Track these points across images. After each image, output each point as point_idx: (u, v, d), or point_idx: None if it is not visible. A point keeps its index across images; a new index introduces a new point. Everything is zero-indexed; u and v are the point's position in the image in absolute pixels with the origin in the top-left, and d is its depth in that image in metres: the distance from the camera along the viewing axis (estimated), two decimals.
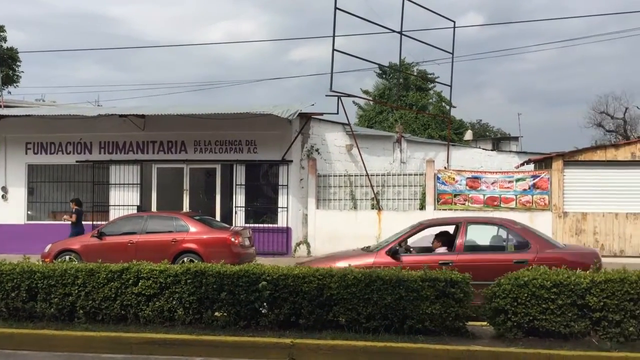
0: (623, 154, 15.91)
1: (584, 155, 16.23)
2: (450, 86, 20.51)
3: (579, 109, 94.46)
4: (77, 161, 18.43)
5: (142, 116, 17.42)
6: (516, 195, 16.27)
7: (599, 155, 16.10)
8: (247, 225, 16.71)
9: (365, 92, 36.90)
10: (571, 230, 15.88)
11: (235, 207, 17.64)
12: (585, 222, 15.85)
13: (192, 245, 12.88)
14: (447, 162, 20.20)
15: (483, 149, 24.69)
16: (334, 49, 16.17)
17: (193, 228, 13.25)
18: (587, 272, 6.99)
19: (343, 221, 17.09)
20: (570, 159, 16.20)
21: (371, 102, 34.50)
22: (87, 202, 18.15)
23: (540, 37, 74.67)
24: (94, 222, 17.40)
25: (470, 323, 7.19)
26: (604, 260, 12.55)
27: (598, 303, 6.62)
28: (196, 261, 10.50)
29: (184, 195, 17.92)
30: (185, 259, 12.33)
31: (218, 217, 17.22)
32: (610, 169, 15.98)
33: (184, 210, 17.19)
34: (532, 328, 6.79)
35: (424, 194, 16.91)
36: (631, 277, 6.65)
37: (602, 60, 72.22)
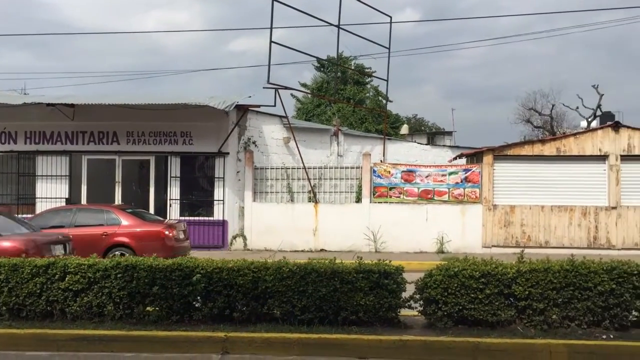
0: (549, 149, 16.58)
1: (513, 150, 16.81)
2: (387, 80, 20.81)
3: (509, 105, 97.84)
4: (0, 151, 17.59)
5: (72, 105, 16.80)
6: (449, 189, 16.70)
7: (526, 150, 16.71)
8: (182, 218, 16.46)
9: (304, 85, 36.91)
10: (500, 222, 16.44)
11: (170, 199, 17.30)
12: (514, 214, 16.44)
13: (124, 239, 12.58)
14: (383, 155, 20.49)
15: (418, 143, 25.17)
16: (271, 41, 16.06)
17: (125, 221, 12.92)
18: (514, 262, 7.24)
19: (280, 214, 17.09)
20: (500, 153, 16.75)
21: (309, 95, 34.56)
22: (11, 195, 17.43)
23: (474, 34, 76.72)
24: (20, 216, 16.66)
25: (402, 313, 7.33)
26: (530, 251, 13.06)
27: (523, 292, 6.88)
28: (127, 255, 10.26)
29: (116, 188, 17.42)
30: (117, 253, 12.04)
31: (152, 210, 16.86)
32: (537, 163, 16.61)
33: (116, 203, 16.73)
34: (462, 317, 6.99)
35: (360, 187, 17.10)
36: (554, 267, 6.94)
37: (531, 59, 75.01)
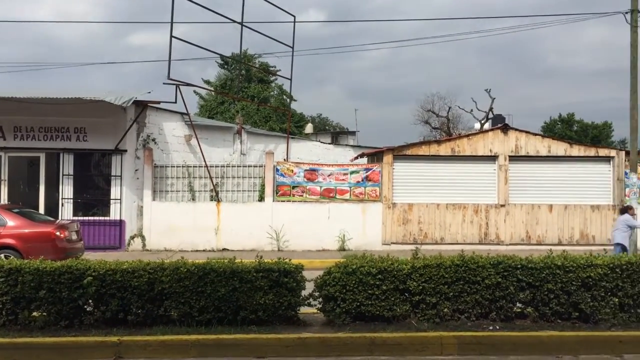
0: (444, 149, 17.29)
1: (411, 150, 17.39)
2: (290, 79, 20.88)
3: (410, 106, 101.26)
4: None
5: None
6: (350, 187, 17.01)
7: (424, 150, 17.34)
8: (76, 218, 15.71)
9: (207, 82, 36.30)
10: (399, 220, 16.96)
11: (63, 199, 16.43)
12: (411, 212, 17.01)
13: (10, 241, 11.84)
14: (287, 154, 20.53)
15: (322, 142, 25.45)
16: (171, 36, 15.66)
17: (11, 222, 12.15)
18: (409, 259, 7.49)
19: (181, 213, 16.70)
20: (399, 153, 17.27)
21: (212, 93, 34.03)
22: None
23: (376, 37, 78.77)
24: None
25: (302, 311, 7.38)
26: (427, 247, 13.57)
27: (417, 287, 7.13)
28: (12, 257, 9.63)
29: (2, 187, 16.33)
30: (1, 256, 11.27)
31: (42, 210, 15.95)
32: (434, 163, 17.29)
33: (2, 202, 15.66)
34: (360, 313, 7.14)
35: (263, 186, 17.04)
36: (446, 262, 7.24)
37: (430, 62, 78.07)
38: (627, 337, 6.71)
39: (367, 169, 17.26)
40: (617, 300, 7.18)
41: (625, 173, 17.03)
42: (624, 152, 17.62)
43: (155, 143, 17.27)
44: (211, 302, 6.96)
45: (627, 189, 16.91)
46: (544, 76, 72.19)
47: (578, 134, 45.01)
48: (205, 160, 16.96)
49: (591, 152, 17.60)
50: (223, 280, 6.98)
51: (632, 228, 12.90)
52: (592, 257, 7.37)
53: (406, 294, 7.22)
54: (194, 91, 34.85)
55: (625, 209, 13.20)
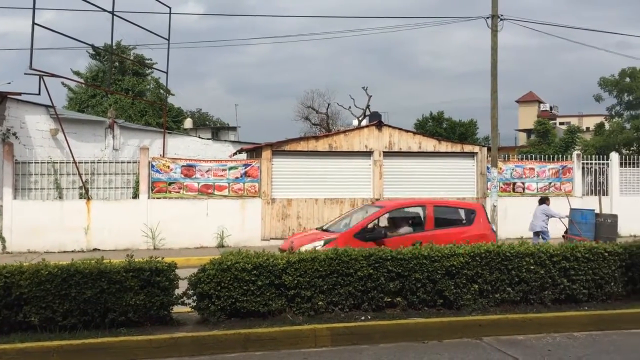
0: (322, 145, 17.60)
1: (290, 146, 17.52)
2: (167, 73, 20.28)
3: (291, 102, 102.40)
4: None
5: None
6: (229, 183, 16.84)
7: (302, 146, 17.54)
8: None
9: (77, 73, 34.30)
10: (278, 215, 17.04)
11: None
12: (291, 207, 17.16)
13: None
14: (163, 150, 19.92)
15: (201, 137, 24.96)
16: (34, 23, 14.59)
17: None
18: (284, 254, 7.55)
19: (47, 212, 15.64)
20: (278, 149, 17.34)
21: (83, 85, 32.21)
22: None
23: (258, 32, 78.62)
24: None
25: (175, 310, 7.20)
26: None
27: (293, 281, 7.20)
28: None
29: None
30: None
31: None
32: (312, 159, 17.54)
33: None
34: (235, 310, 7.09)
35: (137, 182, 16.40)
36: (320, 256, 7.38)
37: (310, 59, 79.27)
38: (485, 321, 7.21)
39: (246, 165, 17.17)
40: (477, 286, 7.69)
41: (487, 168, 18.25)
42: (486, 148, 18.90)
43: (16, 137, 16.04)
44: (76, 306, 6.60)
45: (488, 183, 18.13)
46: (419, 76, 75.97)
47: (447, 131, 47.68)
48: (73, 156, 16.00)
49: (457, 148, 18.72)
50: (89, 282, 6.64)
51: (549, 217, 13.92)
52: (455, 247, 7.84)
53: (282, 289, 7.27)
54: (63, 83, 32.84)
55: (543, 200, 14.26)
